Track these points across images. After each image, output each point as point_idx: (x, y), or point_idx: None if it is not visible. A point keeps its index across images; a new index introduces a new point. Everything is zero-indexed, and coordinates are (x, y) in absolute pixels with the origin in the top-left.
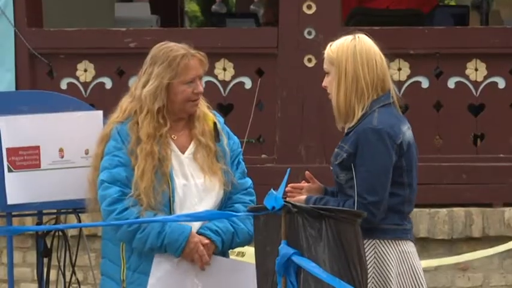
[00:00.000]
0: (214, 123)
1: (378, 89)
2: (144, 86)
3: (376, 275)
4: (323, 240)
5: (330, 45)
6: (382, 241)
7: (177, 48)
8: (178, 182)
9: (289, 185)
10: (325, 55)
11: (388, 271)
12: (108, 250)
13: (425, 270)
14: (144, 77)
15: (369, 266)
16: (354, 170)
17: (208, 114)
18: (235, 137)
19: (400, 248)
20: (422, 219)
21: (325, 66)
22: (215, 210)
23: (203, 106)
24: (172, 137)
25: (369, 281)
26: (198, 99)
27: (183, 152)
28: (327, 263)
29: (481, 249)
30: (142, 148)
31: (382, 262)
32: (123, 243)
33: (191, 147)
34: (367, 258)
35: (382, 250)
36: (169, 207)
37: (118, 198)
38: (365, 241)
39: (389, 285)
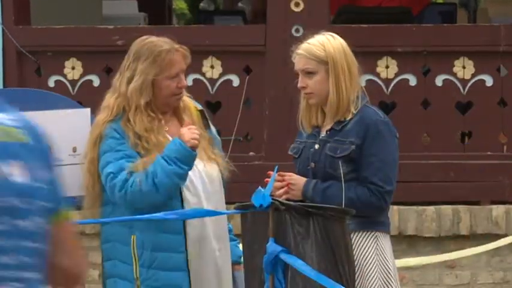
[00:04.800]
0: (202, 111)
1: (359, 85)
2: (129, 82)
3: (379, 267)
4: (311, 237)
5: (311, 45)
6: (381, 233)
7: (161, 43)
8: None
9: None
10: (309, 55)
11: (388, 262)
12: (116, 251)
13: (413, 268)
14: (128, 72)
15: (371, 258)
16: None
17: (190, 105)
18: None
19: (390, 242)
20: (410, 217)
21: (309, 66)
22: (222, 197)
23: (185, 97)
24: (165, 129)
25: (374, 272)
26: (181, 93)
27: None
28: (315, 261)
29: (468, 247)
30: (148, 141)
31: (383, 254)
32: (134, 242)
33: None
34: (369, 249)
35: (382, 242)
36: (180, 197)
37: (125, 179)
38: (366, 233)
39: (390, 276)
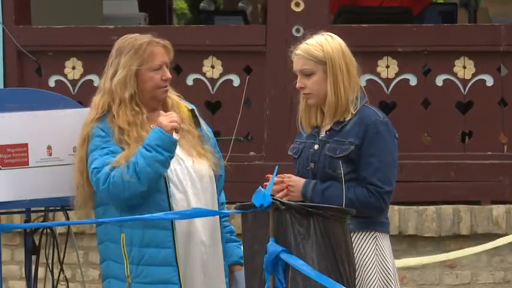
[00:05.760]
0: (192, 110)
1: (358, 85)
2: (113, 77)
3: (379, 267)
4: (311, 237)
5: (309, 46)
6: (381, 233)
7: (141, 37)
8: (170, 167)
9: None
10: (307, 55)
11: (387, 262)
12: (109, 251)
13: (414, 268)
14: (112, 68)
15: (371, 258)
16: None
17: (180, 103)
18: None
19: (389, 242)
20: (410, 217)
21: (307, 66)
22: (212, 194)
23: (173, 95)
24: (151, 126)
25: (373, 272)
26: (167, 86)
27: None
28: (315, 261)
29: (469, 246)
30: (129, 135)
31: (382, 254)
32: (124, 240)
33: (174, 135)
34: (368, 250)
35: (381, 242)
36: (166, 192)
37: (108, 172)
38: (365, 233)
39: (390, 276)
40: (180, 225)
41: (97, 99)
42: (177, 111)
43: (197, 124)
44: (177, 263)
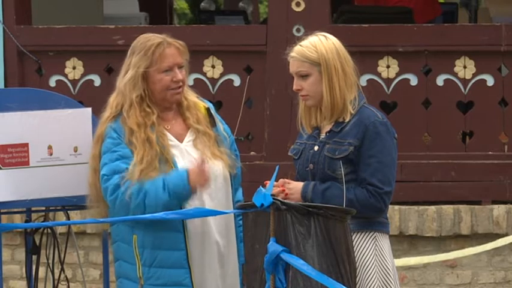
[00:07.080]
0: (208, 109)
1: (356, 85)
2: (123, 77)
3: (378, 267)
4: (312, 237)
5: (303, 48)
6: (380, 234)
7: (154, 37)
8: (182, 167)
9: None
10: (301, 57)
11: (386, 262)
12: (121, 251)
13: (414, 268)
14: (125, 68)
15: (370, 258)
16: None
17: (198, 103)
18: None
19: (389, 242)
20: (411, 217)
21: (302, 69)
22: (227, 194)
23: (192, 96)
24: (166, 127)
25: (373, 272)
26: (178, 88)
27: (180, 141)
28: (316, 260)
29: (469, 246)
30: (137, 137)
31: (382, 254)
32: (135, 241)
33: (189, 136)
34: (367, 250)
35: (381, 242)
36: None
37: (118, 184)
38: (365, 233)
39: (389, 277)
40: (194, 226)
41: (112, 98)
42: (193, 112)
43: (213, 123)
44: (189, 265)
